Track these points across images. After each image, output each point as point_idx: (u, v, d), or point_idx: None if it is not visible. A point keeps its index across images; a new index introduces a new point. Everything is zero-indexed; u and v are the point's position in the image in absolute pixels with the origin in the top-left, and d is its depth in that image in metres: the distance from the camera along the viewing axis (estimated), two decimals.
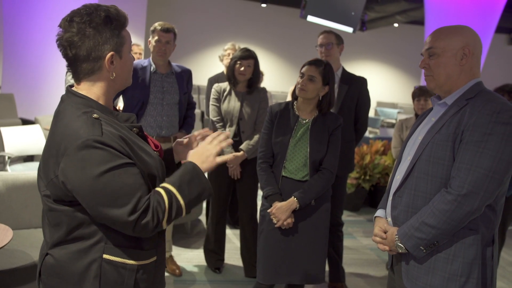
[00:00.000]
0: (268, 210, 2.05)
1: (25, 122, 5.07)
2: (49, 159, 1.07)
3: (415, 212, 1.35)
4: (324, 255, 2.13)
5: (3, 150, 3.82)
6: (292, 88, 2.95)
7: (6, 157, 3.71)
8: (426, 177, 1.33)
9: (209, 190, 1.14)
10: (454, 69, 1.35)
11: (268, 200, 2.07)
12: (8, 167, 3.70)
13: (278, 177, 2.09)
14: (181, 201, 1.09)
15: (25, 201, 2.49)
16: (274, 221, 2.03)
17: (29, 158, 4.52)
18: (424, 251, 1.31)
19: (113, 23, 1.09)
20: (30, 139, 3.96)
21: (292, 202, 2.02)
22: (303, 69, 2.10)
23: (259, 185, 2.75)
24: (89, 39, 1.07)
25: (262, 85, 5.37)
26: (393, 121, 11.11)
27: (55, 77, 5.37)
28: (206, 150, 1.17)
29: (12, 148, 3.79)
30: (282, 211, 2.01)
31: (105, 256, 1.09)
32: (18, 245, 2.21)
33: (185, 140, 1.35)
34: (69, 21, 1.07)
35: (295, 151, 2.07)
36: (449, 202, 1.26)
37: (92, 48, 1.07)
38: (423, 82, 6.29)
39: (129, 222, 1.03)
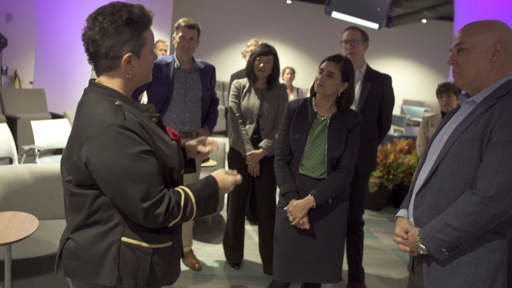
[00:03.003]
0: (285, 208, 2.03)
1: (55, 116, 5.23)
2: (73, 144, 1.14)
3: (438, 212, 1.30)
4: (341, 254, 2.10)
5: (33, 143, 3.96)
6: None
7: (36, 150, 3.85)
8: (451, 177, 1.28)
9: (214, 210, 1.24)
10: (484, 65, 1.29)
11: (285, 197, 2.05)
12: (37, 160, 3.83)
13: (295, 174, 2.06)
14: (195, 211, 1.17)
15: (52, 193, 2.57)
16: (290, 219, 2.02)
17: (58, 151, 4.67)
18: (446, 253, 1.27)
19: (134, 24, 1.14)
20: (59, 132, 4.09)
21: (309, 200, 1.99)
22: (322, 65, 2.07)
23: None
24: (109, 39, 1.13)
25: (295, 83, 5.32)
26: (420, 119, 10.84)
27: (83, 73, 5.53)
28: (228, 177, 1.27)
29: (41, 141, 3.92)
30: (298, 209, 1.99)
31: (123, 238, 1.14)
32: (43, 235, 2.29)
33: (196, 142, 1.44)
34: (93, 19, 1.13)
35: (313, 148, 2.04)
36: (474, 204, 1.21)
37: (111, 47, 1.13)
38: (451, 80, 6.08)
39: (141, 208, 1.08)
